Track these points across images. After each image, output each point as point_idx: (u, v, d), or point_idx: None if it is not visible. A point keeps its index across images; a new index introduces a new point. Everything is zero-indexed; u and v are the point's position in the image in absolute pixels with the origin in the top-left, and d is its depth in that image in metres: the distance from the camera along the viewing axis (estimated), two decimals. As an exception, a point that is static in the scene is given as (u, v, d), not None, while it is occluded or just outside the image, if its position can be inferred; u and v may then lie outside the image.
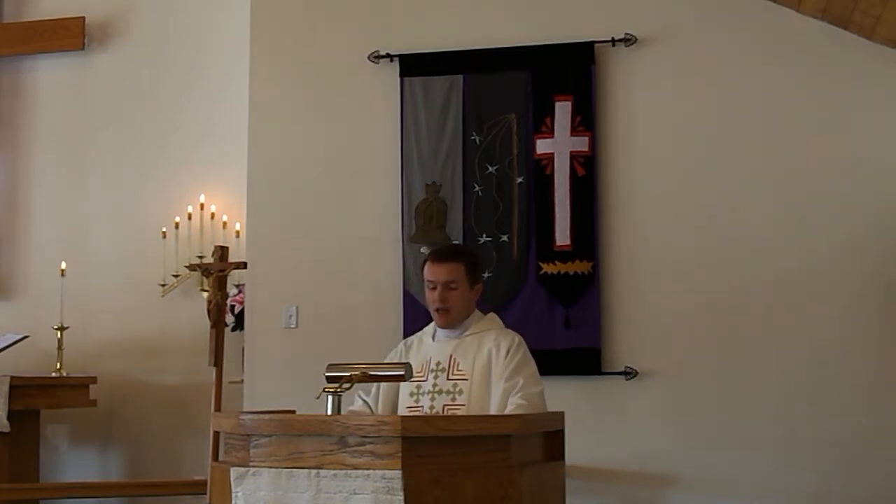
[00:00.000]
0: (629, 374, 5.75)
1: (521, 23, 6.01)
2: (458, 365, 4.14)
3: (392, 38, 6.15)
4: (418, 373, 4.16)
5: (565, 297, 5.80)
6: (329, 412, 3.71)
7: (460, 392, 4.09)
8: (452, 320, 4.20)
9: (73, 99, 7.30)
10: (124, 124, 7.18)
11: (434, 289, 4.17)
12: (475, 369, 4.11)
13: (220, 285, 5.94)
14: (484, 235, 5.93)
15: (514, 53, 5.97)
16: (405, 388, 4.19)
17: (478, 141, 5.99)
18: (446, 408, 4.07)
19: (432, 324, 4.30)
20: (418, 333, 4.38)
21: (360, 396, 4.27)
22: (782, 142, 5.75)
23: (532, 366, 4.12)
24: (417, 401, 4.14)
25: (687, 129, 5.85)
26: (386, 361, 4.27)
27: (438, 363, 4.17)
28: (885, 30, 5.48)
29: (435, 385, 4.13)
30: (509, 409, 3.98)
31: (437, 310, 4.18)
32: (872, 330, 5.58)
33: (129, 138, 7.16)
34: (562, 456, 3.98)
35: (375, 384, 4.22)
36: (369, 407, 4.25)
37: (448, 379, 4.13)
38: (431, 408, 4.09)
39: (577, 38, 5.92)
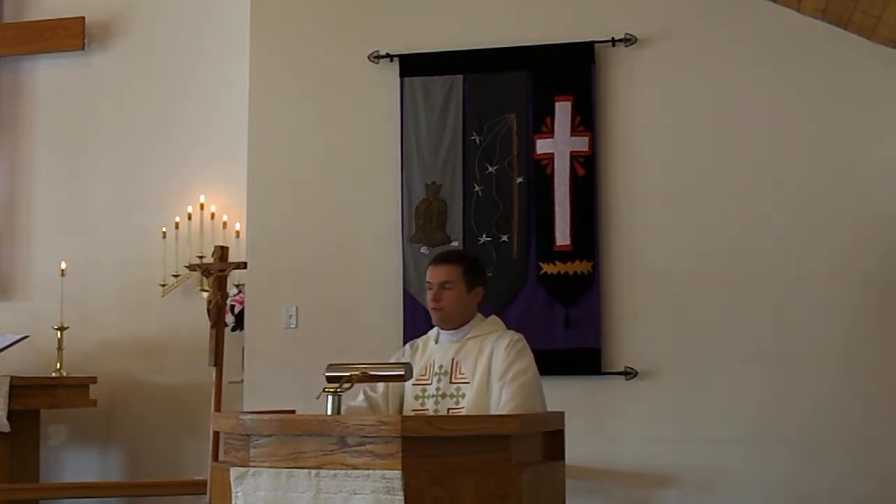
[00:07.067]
0: (629, 374, 5.75)
1: (521, 23, 6.02)
2: (460, 369, 4.17)
3: (392, 38, 6.15)
4: (422, 376, 4.20)
5: (565, 297, 5.80)
6: (329, 412, 3.71)
7: (463, 396, 4.12)
8: (446, 320, 4.24)
9: (73, 99, 7.29)
10: (124, 124, 7.18)
11: (431, 289, 4.25)
12: (476, 373, 4.13)
13: (220, 285, 5.94)
14: (484, 235, 5.93)
15: (514, 53, 5.98)
16: (410, 391, 4.21)
17: (478, 141, 5.99)
18: (451, 412, 4.09)
19: (436, 327, 4.32)
20: (423, 336, 4.41)
21: (364, 391, 4.27)
22: (782, 141, 5.76)
23: (526, 359, 4.13)
24: (423, 404, 4.17)
25: (687, 128, 5.85)
26: (388, 362, 4.28)
27: (441, 367, 4.20)
28: (885, 30, 5.48)
29: (438, 389, 4.17)
30: (501, 408, 3.99)
31: (433, 309, 4.25)
32: (872, 331, 5.58)
33: (129, 138, 7.16)
34: (562, 456, 3.98)
35: (384, 385, 4.24)
36: (371, 401, 4.24)
37: (451, 382, 4.16)
38: (436, 411, 4.11)
39: (577, 38, 5.92)
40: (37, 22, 7.25)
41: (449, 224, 5.98)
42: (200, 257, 6.66)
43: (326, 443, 3.50)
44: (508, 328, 4.33)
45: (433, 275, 4.25)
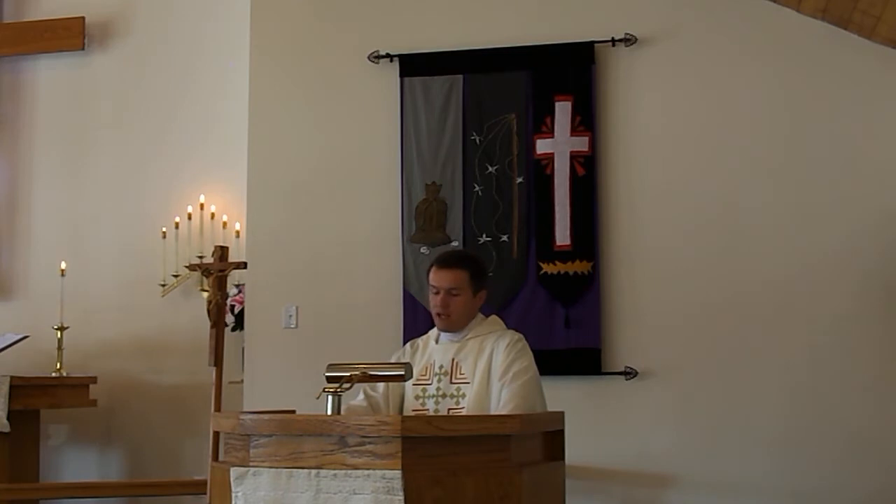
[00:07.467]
0: (629, 374, 5.75)
1: (521, 23, 6.01)
2: (460, 369, 4.17)
3: (392, 38, 6.15)
4: (422, 376, 4.20)
5: (565, 297, 5.80)
6: (329, 412, 3.71)
7: (463, 396, 4.13)
8: (452, 325, 4.24)
9: (73, 99, 7.30)
10: (124, 124, 7.18)
11: (437, 294, 4.21)
12: (477, 373, 4.14)
13: (220, 285, 5.93)
14: (484, 235, 5.93)
15: (514, 53, 5.97)
16: (410, 391, 4.21)
17: (478, 141, 5.99)
18: (451, 412, 4.09)
19: (436, 327, 4.32)
20: (423, 336, 4.41)
21: (364, 391, 4.27)
22: (782, 141, 5.76)
23: (526, 359, 4.13)
24: (423, 404, 4.17)
25: (687, 128, 5.85)
26: (388, 362, 4.28)
27: (441, 367, 4.20)
28: (885, 30, 5.48)
29: (439, 389, 4.17)
30: (501, 408, 4.00)
31: (439, 315, 4.23)
32: (872, 330, 5.58)
33: (129, 138, 7.16)
34: (562, 456, 3.99)
35: (384, 385, 4.23)
36: (371, 401, 4.25)
37: (451, 383, 4.16)
38: (436, 411, 4.12)
39: (577, 38, 5.92)
40: (37, 22, 7.25)
41: (449, 224, 5.98)
42: (200, 257, 6.66)
43: (326, 443, 3.50)
44: (508, 328, 4.33)
45: (439, 280, 4.22)
